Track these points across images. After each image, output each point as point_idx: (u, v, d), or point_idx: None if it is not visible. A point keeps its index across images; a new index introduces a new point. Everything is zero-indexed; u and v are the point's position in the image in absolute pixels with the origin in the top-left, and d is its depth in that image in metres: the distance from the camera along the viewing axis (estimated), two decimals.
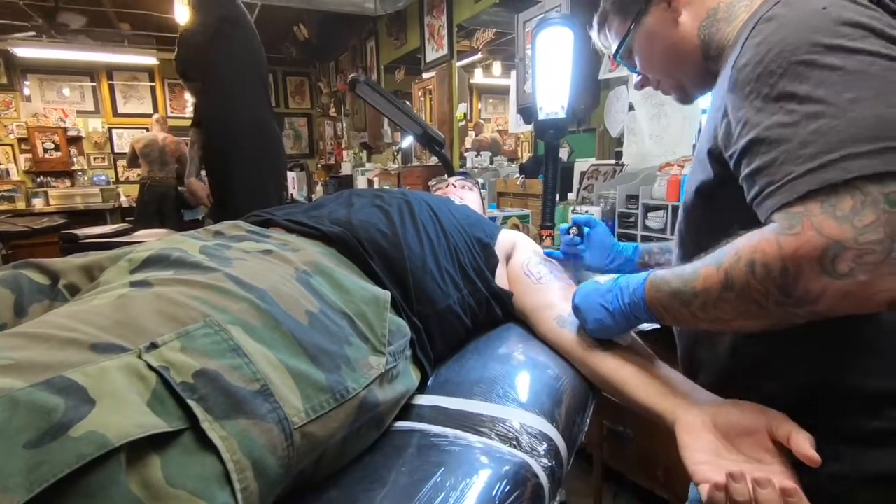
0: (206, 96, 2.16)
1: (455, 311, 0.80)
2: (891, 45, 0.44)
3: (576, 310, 0.71)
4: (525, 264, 0.92)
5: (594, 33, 0.82)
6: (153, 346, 0.41)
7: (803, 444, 0.46)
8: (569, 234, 0.97)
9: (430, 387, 0.71)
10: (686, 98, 0.74)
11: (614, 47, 0.76)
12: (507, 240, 1.01)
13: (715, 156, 0.55)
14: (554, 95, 1.28)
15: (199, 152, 2.23)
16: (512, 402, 0.66)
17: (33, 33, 4.38)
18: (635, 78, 0.79)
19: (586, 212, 0.91)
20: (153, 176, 4.70)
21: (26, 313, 0.57)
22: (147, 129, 4.97)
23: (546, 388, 0.70)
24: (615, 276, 0.66)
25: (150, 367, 0.40)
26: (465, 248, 0.90)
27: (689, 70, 0.68)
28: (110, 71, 5.86)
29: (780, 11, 0.49)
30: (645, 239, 1.72)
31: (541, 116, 1.31)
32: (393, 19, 4.15)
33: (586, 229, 0.96)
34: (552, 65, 1.23)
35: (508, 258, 0.99)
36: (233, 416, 0.41)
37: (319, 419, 0.47)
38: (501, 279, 0.94)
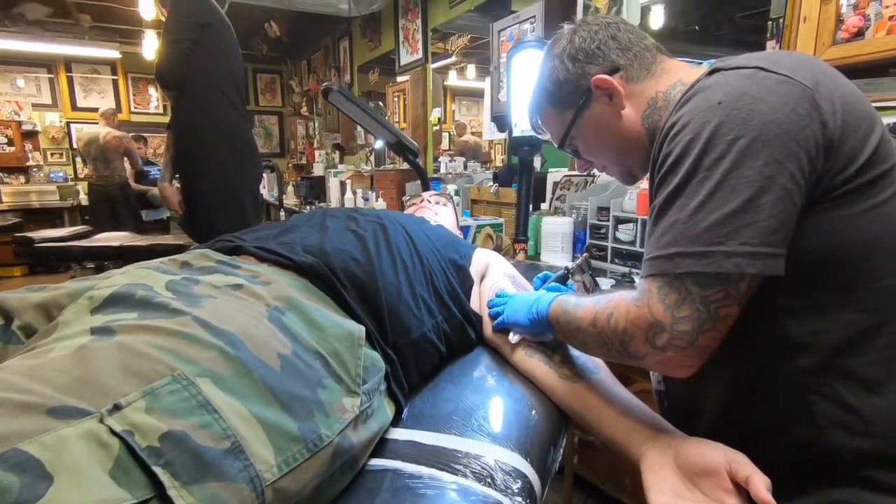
0: (178, 105, 2.10)
1: (430, 339, 0.80)
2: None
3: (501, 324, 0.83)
4: (494, 289, 0.92)
5: (529, 118, 0.83)
6: (116, 407, 0.39)
7: (760, 489, 0.47)
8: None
9: (404, 419, 0.70)
10: (633, 180, 0.76)
11: (556, 138, 0.77)
12: (482, 260, 1.02)
13: None
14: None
15: (173, 157, 2.15)
16: (487, 437, 0.66)
17: None
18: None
19: (567, 267, 0.92)
20: (98, 174, 4.48)
21: None
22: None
23: (521, 421, 0.70)
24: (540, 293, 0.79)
25: (113, 433, 0.38)
26: (439, 272, 0.90)
27: (639, 156, 0.69)
28: (69, 63, 5.61)
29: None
30: (616, 251, 1.75)
31: (515, 133, 1.32)
32: (367, 21, 4.10)
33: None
34: (527, 85, 1.23)
35: (483, 278, 0.99)
36: (201, 481, 0.39)
37: (292, 472, 0.46)
38: (476, 300, 0.95)
